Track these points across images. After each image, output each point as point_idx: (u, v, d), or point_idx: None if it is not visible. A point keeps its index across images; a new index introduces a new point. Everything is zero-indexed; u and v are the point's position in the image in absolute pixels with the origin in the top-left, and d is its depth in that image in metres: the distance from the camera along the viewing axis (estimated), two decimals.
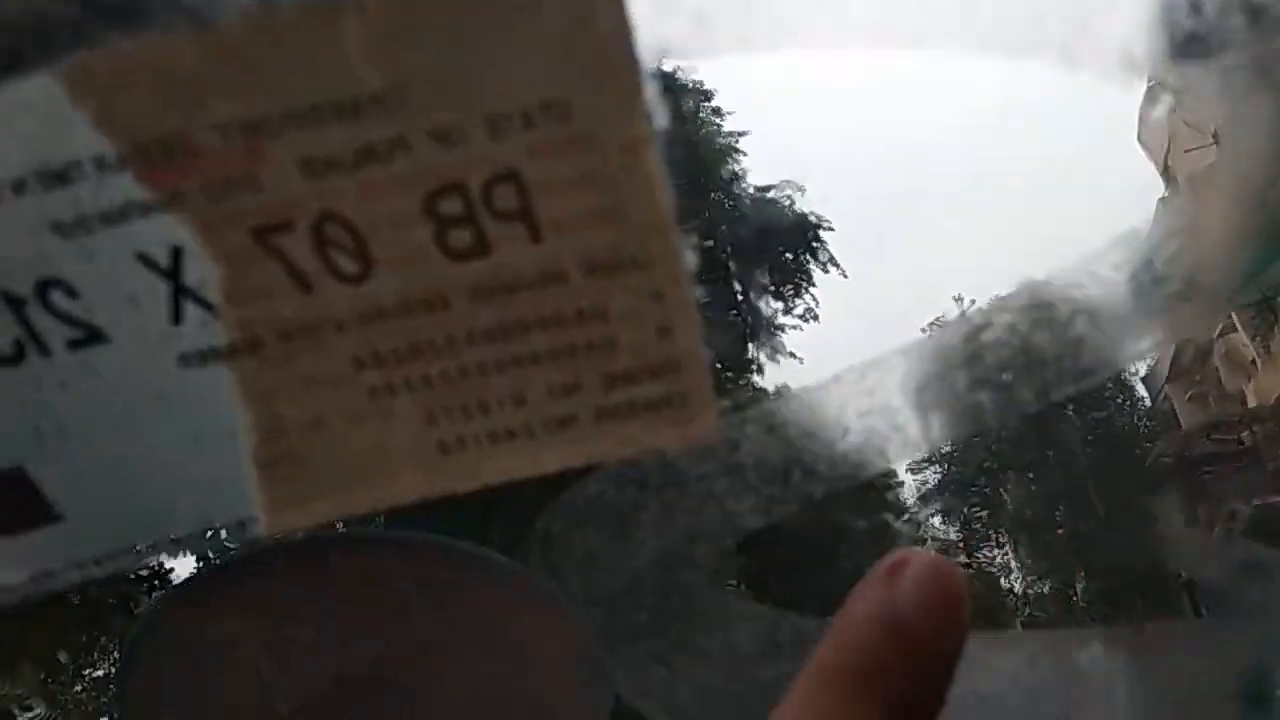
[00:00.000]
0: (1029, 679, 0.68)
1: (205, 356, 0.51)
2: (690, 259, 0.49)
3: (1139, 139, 18.86)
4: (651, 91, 0.42)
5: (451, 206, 0.46)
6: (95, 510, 0.56)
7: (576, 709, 0.71)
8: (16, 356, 0.50)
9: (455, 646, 0.67)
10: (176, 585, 0.65)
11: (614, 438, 0.57)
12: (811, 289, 17.22)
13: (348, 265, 0.48)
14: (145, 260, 0.47)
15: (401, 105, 0.42)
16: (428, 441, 0.56)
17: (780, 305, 16.46)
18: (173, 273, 0.47)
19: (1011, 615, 22.66)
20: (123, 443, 0.55)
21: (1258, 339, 15.46)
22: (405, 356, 0.52)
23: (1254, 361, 16.03)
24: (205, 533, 0.57)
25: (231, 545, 0.59)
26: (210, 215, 0.45)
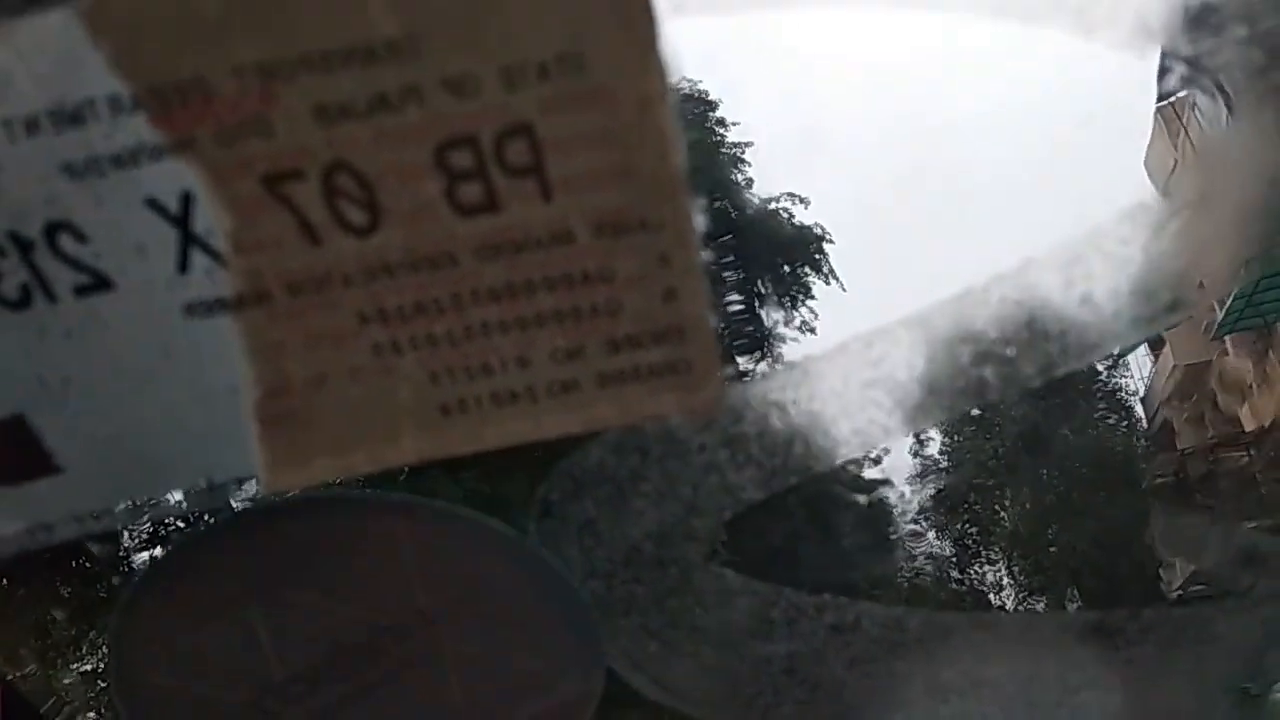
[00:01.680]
0: (1024, 664, 0.68)
1: (211, 308, 0.51)
2: (699, 224, 0.49)
3: (1144, 160, 18.89)
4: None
5: (462, 160, 0.46)
6: (95, 463, 0.56)
7: (571, 680, 0.71)
8: (23, 301, 0.50)
9: (453, 615, 0.67)
10: (173, 544, 0.64)
11: (616, 404, 0.57)
12: (810, 300, 17.25)
13: (356, 217, 0.48)
14: (155, 206, 0.47)
15: (416, 53, 0.43)
16: (430, 402, 0.56)
17: (780, 316, 16.47)
18: (182, 220, 0.47)
19: None
20: (126, 395, 0.55)
21: (1254, 362, 15.48)
22: (410, 314, 0.52)
23: (1250, 385, 16.05)
24: (205, 489, 0.57)
25: (230, 504, 0.59)
26: (221, 161, 0.45)
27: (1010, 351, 0.53)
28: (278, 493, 0.57)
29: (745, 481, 0.58)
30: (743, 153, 16.52)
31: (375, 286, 0.51)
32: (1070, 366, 0.52)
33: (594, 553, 0.60)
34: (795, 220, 16.10)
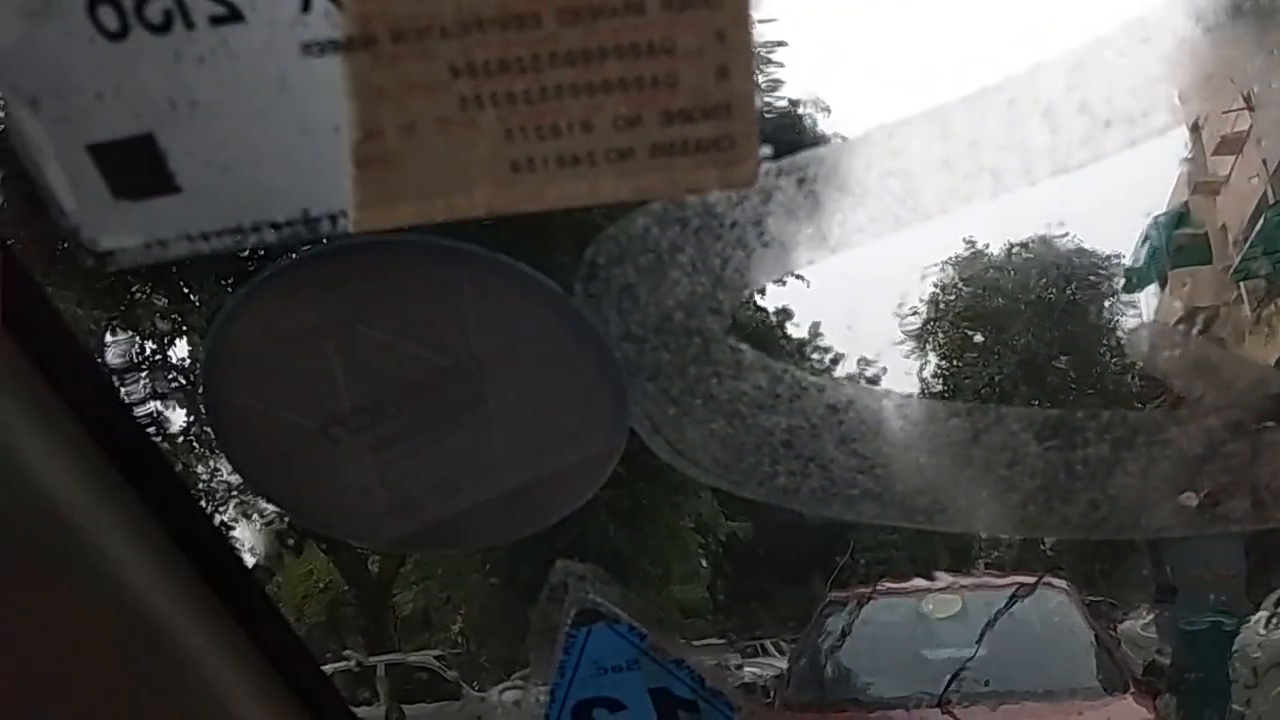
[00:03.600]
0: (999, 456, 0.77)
1: (324, 48, 0.58)
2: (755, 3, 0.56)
3: (1180, 95, 18.54)
4: None
5: None
6: (211, 186, 0.64)
7: (598, 437, 0.81)
8: (164, 25, 0.57)
9: (500, 363, 0.75)
10: (266, 272, 0.71)
11: (666, 174, 0.65)
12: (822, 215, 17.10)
13: None
14: None
15: None
16: (503, 158, 0.64)
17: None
18: None
19: (979, 556, 23.21)
20: (243, 124, 0.63)
21: (1257, 310, 15.56)
22: (496, 70, 0.60)
23: (1254, 332, 16.13)
24: (302, 222, 0.66)
25: (320, 239, 0.67)
26: None
27: (1016, 154, 0.61)
28: (364, 231, 0.65)
29: (767, 261, 0.65)
30: (772, 52, 16.18)
31: (468, 40, 0.58)
32: (1061, 172, 0.59)
33: (630, 316, 0.67)
34: (817, 128, 15.86)
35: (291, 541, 15.24)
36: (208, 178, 0.63)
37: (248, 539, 16.10)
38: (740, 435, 0.79)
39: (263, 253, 0.63)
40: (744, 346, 0.75)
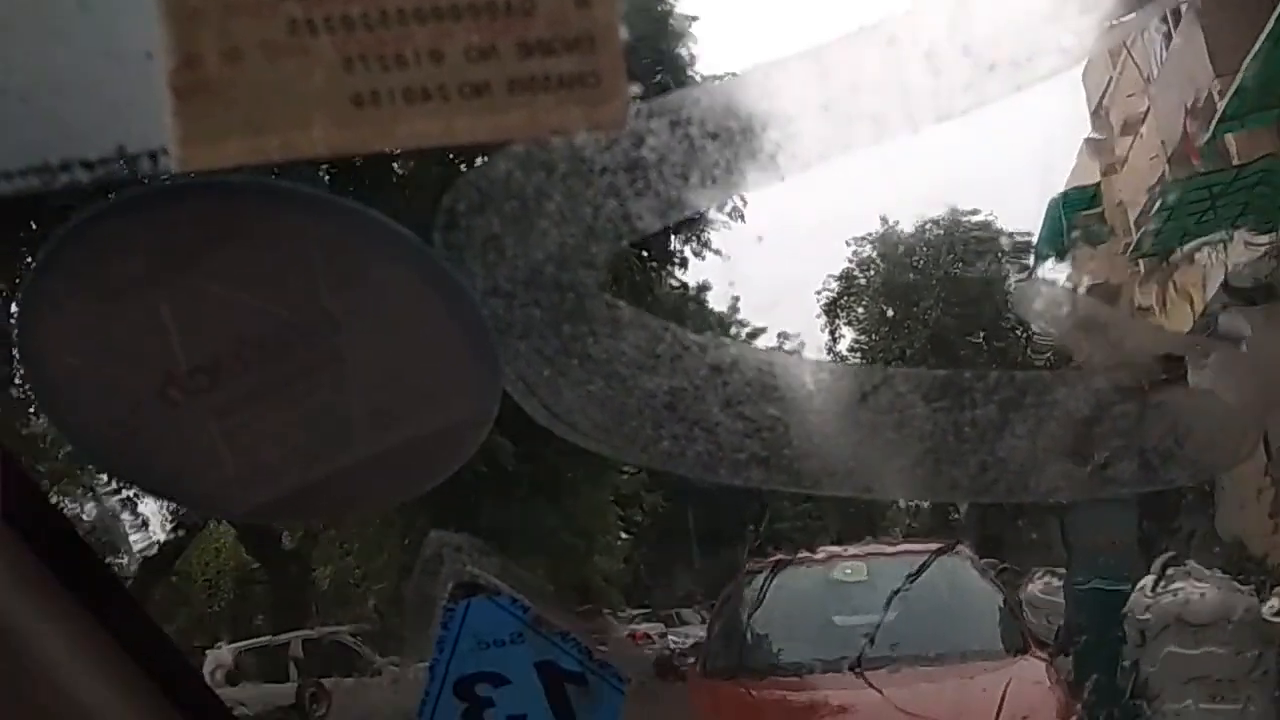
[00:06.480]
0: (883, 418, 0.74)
1: None
2: None
3: (1082, 75, 19.13)
4: None
5: None
6: (8, 118, 0.57)
7: (466, 399, 0.75)
8: None
9: (356, 320, 0.69)
10: (83, 216, 0.64)
11: (526, 112, 0.59)
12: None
13: None
14: None
15: None
16: (343, 90, 0.58)
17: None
18: None
19: (891, 524, 23.83)
20: (40, 54, 0.55)
21: (1156, 288, 16.15)
22: None
23: (1151, 309, 16.77)
24: (118, 159, 0.59)
25: (141, 178, 0.60)
26: None
27: (897, 98, 0.57)
28: (190, 171, 0.59)
29: (643, 210, 0.61)
30: (690, 26, 16.15)
31: None
32: (944, 118, 0.56)
33: (496, 270, 0.62)
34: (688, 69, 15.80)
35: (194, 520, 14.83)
36: (3, 108, 0.56)
37: (151, 512, 15.64)
38: (620, 397, 0.75)
39: (76, 195, 0.56)
40: (620, 303, 0.71)
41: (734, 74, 0.65)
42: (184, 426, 0.71)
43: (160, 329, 0.67)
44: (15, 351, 0.66)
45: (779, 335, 27.48)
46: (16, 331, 0.67)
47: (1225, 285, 12.21)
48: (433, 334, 0.71)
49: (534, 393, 0.73)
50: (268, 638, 14.42)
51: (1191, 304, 14.17)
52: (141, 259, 0.64)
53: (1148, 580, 5.67)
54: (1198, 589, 5.35)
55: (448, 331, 0.70)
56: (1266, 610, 5.64)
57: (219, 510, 0.80)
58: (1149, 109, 15.71)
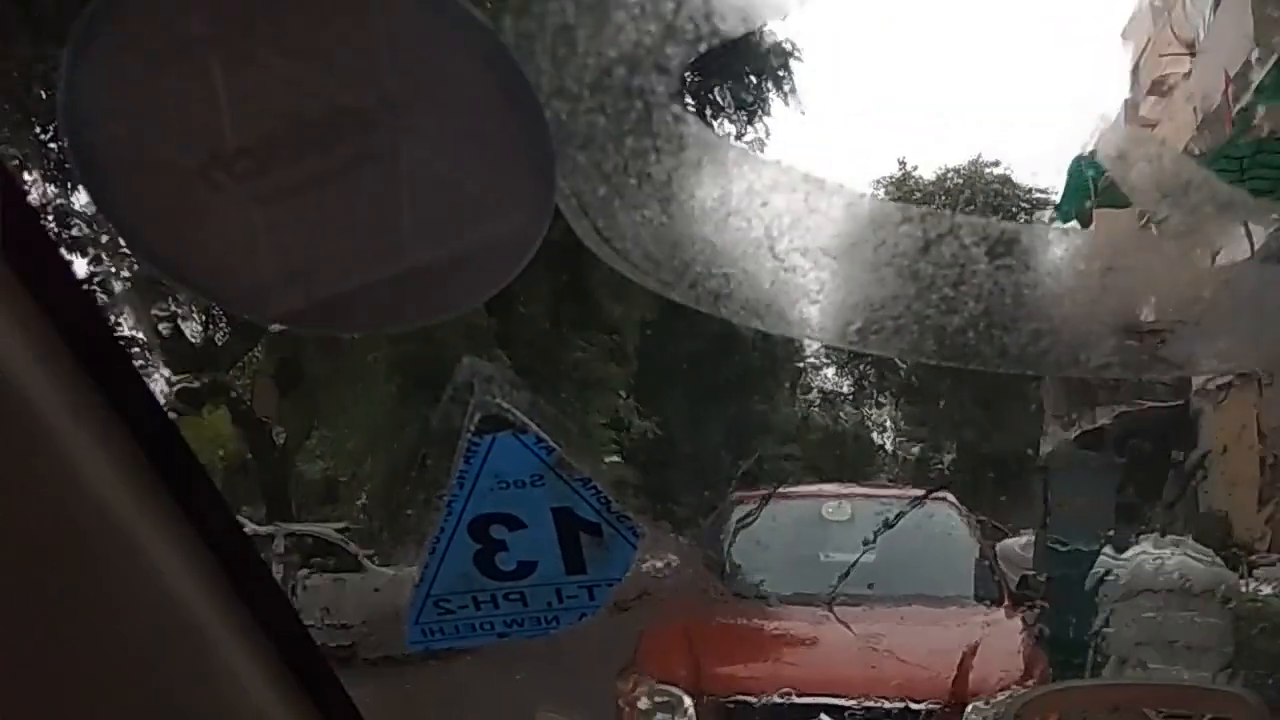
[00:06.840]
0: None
1: None
2: None
3: (1123, 33, 18.71)
4: None
5: None
6: None
7: (518, 212, 0.72)
8: None
9: (415, 108, 0.66)
10: None
11: None
12: (766, 118, 16.91)
13: None
14: None
15: None
16: None
17: (733, 130, 16.16)
18: None
19: (878, 470, 24.06)
20: None
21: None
22: None
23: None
24: None
25: None
26: None
27: None
28: None
29: (726, 10, 0.57)
30: None
31: None
32: None
33: (565, 67, 0.59)
34: (768, 28, 15.53)
35: (196, 402, 14.86)
36: None
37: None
38: (676, 228, 0.72)
39: None
40: (689, 116, 0.68)
41: None
42: (226, 213, 0.68)
43: (211, 100, 0.64)
44: (59, 118, 0.63)
45: None
46: (60, 97, 0.64)
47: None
48: (492, 134, 0.68)
49: (586, 213, 0.71)
50: (250, 527, 14.53)
51: None
52: (199, 18, 0.61)
53: (1123, 543, 5.75)
54: (1172, 555, 5.41)
55: (508, 132, 0.67)
56: (1243, 587, 5.73)
57: (252, 310, 0.78)
58: (1188, 72, 15.40)
